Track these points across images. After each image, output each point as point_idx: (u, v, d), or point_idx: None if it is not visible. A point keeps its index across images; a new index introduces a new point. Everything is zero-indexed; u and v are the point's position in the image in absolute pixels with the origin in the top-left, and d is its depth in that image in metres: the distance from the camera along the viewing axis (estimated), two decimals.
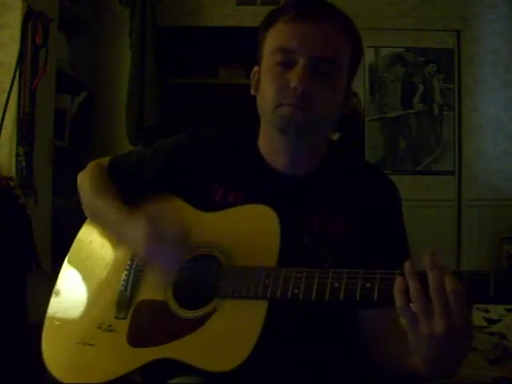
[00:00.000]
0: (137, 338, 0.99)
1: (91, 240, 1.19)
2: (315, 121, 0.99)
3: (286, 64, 0.98)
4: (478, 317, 1.77)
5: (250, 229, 1.00)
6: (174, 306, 0.99)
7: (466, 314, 0.75)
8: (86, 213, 1.20)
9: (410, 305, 0.78)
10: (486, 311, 1.85)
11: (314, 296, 0.86)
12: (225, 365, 0.87)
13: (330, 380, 1.01)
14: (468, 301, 0.75)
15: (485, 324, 1.71)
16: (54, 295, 1.15)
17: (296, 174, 1.07)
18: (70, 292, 1.14)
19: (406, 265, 0.78)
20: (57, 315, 1.11)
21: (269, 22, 1.03)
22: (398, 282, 0.78)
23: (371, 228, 1.04)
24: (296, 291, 0.87)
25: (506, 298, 0.75)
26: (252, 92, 1.08)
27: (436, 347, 0.77)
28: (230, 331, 0.91)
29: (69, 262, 1.19)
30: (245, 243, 0.99)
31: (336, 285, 0.84)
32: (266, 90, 1.01)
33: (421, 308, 0.76)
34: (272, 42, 1.02)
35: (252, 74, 1.09)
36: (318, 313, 0.95)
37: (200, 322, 0.94)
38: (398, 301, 0.77)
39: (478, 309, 1.87)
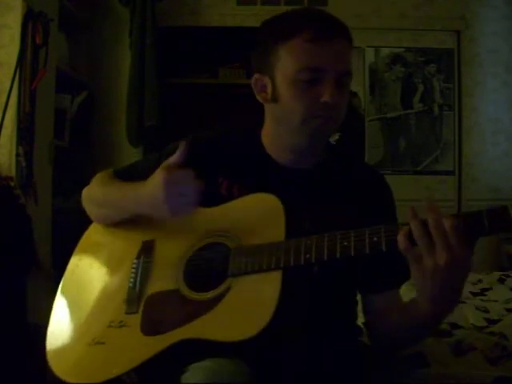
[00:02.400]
0: (151, 327, 1.00)
1: (93, 246, 1.20)
2: (337, 126, 1.11)
3: (315, 80, 1.05)
4: (478, 317, 1.77)
5: (254, 215, 1.05)
6: (186, 291, 1.01)
7: (464, 246, 0.84)
8: (96, 213, 1.21)
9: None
10: (486, 311, 1.85)
11: (325, 257, 0.93)
12: (247, 332, 0.89)
13: (340, 356, 1.06)
14: (467, 237, 0.84)
15: (485, 324, 1.71)
16: (56, 304, 1.15)
17: (299, 168, 1.15)
18: (74, 298, 1.15)
19: (409, 210, 0.87)
20: (62, 321, 1.11)
21: (279, 36, 1.07)
22: (402, 230, 0.87)
23: (369, 218, 1.07)
24: (308, 256, 0.94)
25: (499, 229, 0.83)
26: (261, 100, 1.14)
27: (439, 280, 0.86)
28: (248, 302, 0.94)
29: (70, 268, 1.20)
30: (251, 229, 1.03)
31: (345, 243, 0.92)
32: (292, 104, 1.07)
33: (424, 244, 0.85)
34: (295, 60, 1.05)
35: (254, 81, 1.14)
36: (328, 284, 1.03)
37: (216, 300, 0.97)
38: (402, 243, 0.86)
39: (478, 309, 1.87)
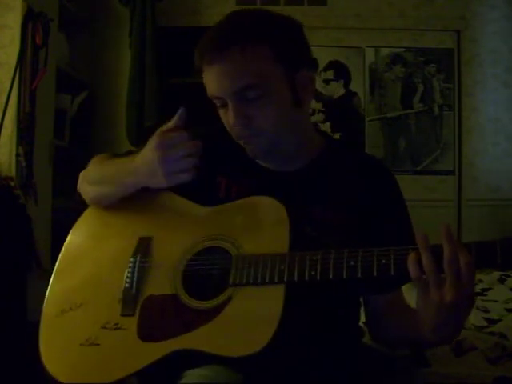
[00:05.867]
0: (149, 333, 0.98)
1: (82, 242, 1.17)
2: (272, 138, 1.04)
3: (223, 105, 1.05)
4: (477, 317, 1.77)
5: (257, 219, 1.02)
6: (185, 298, 0.99)
7: (473, 284, 0.81)
8: (94, 193, 1.17)
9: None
10: (486, 311, 1.85)
11: (331, 275, 0.89)
12: (248, 349, 0.88)
13: (342, 361, 1.04)
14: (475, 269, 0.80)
15: (485, 324, 1.71)
16: (46, 301, 1.11)
17: (287, 170, 1.11)
18: (65, 295, 1.11)
19: (419, 238, 0.83)
20: (53, 319, 1.08)
21: (197, 65, 1.09)
22: (411, 256, 0.84)
23: (373, 216, 1.06)
24: (313, 273, 0.91)
25: None
26: None
27: (444, 314, 0.83)
28: (250, 316, 0.92)
29: (60, 264, 1.16)
30: (253, 234, 1.00)
31: (352, 263, 0.88)
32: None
33: (433, 278, 0.82)
34: (206, 88, 1.07)
35: None
36: (329, 295, 0.99)
37: (216, 310, 0.94)
38: (412, 272, 0.83)
39: (478, 308, 1.87)
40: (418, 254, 0.83)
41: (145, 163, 1.01)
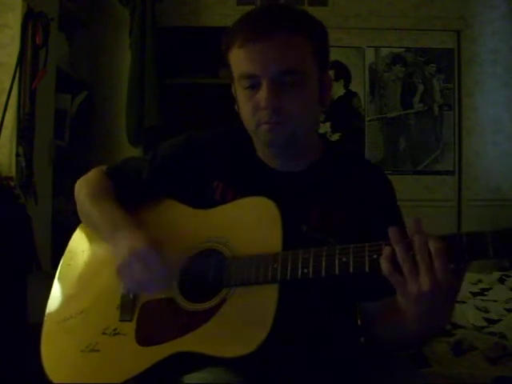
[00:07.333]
0: (147, 337, 0.99)
1: (83, 249, 1.18)
2: (296, 128, 1.03)
3: (254, 86, 1.01)
4: (478, 317, 1.77)
5: (249, 220, 1.02)
6: (181, 301, 1.00)
7: (449, 271, 0.80)
8: (81, 217, 1.21)
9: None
10: (486, 311, 1.85)
11: (324, 273, 0.89)
12: (243, 349, 0.88)
13: (341, 361, 1.04)
14: (461, 260, 0.80)
15: (485, 324, 1.71)
16: (48, 308, 1.13)
17: (291, 171, 1.10)
18: (66, 303, 1.13)
19: (391, 232, 0.83)
20: (55, 327, 1.10)
21: (226, 44, 1.05)
22: (385, 250, 0.84)
23: (370, 218, 1.06)
24: (306, 270, 0.90)
25: (505, 253, 0.78)
26: (235, 108, 1.11)
27: (424, 304, 0.83)
28: (244, 316, 0.92)
29: (61, 272, 1.18)
30: (246, 234, 1.01)
31: (344, 259, 0.88)
32: (244, 112, 1.05)
33: (408, 269, 0.81)
34: (234, 68, 1.04)
35: (233, 91, 1.10)
36: (325, 293, 0.99)
37: (211, 312, 0.95)
38: (385, 267, 0.83)
39: (478, 309, 1.87)
40: (391, 251, 0.83)
41: (118, 247, 1.03)
